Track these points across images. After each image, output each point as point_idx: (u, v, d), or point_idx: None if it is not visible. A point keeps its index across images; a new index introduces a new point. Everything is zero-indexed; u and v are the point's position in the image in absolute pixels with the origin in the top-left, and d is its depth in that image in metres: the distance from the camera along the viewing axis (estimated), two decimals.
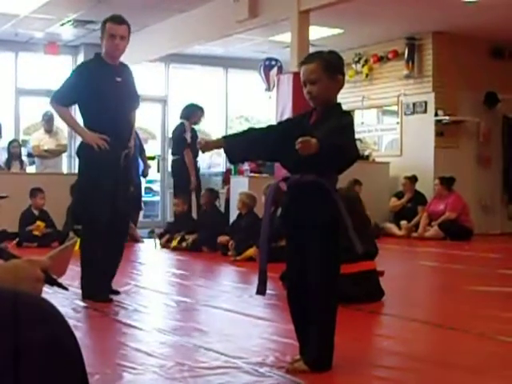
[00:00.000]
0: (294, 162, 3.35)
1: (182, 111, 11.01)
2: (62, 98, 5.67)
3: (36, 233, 10.15)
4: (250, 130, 3.71)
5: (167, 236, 10.39)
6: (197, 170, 10.97)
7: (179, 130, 10.82)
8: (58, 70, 15.19)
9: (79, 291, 5.79)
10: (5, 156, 12.36)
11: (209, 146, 3.55)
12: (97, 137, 5.48)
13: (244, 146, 3.55)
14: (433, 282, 7.37)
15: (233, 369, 3.44)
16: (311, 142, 3.05)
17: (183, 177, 10.75)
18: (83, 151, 5.64)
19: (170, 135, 15.75)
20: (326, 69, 3.38)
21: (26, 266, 1.67)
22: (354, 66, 13.81)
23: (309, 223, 3.36)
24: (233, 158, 3.77)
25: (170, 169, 15.33)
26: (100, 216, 5.56)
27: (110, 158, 5.52)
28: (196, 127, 11.16)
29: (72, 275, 6.91)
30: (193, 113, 10.83)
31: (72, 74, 5.80)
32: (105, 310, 5.06)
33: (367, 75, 13.78)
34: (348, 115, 3.52)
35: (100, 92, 5.56)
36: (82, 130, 5.61)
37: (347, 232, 3.34)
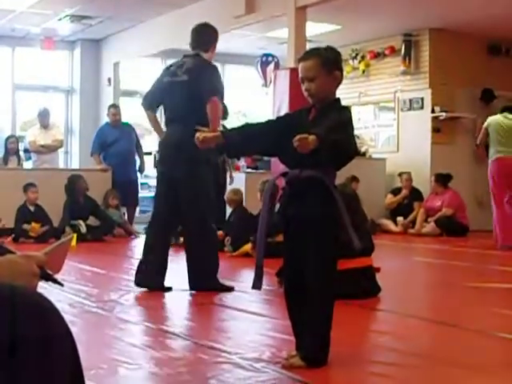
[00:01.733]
0: (292, 157, 3.33)
1: None
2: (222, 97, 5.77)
3: (32, 234, 10.14)
4: (248, 125, 3.70)
5: None
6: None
7: None
8: (55, 65, 15.19)
9: (76, 286, 5.80)
10: (2, 151, 12.32)
11: (207, 141, 3.54)
12: None
13: (242, 141, 3.54)
14: (429, 278, 7.38)
15: (229, 364, 3.44)
16: (309, 139, 3.05)
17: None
18: (209, 156, 5.63)
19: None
20: (324, 65, 3.38)
21: (22, 261, 1.66)
22: (350, 62, 13.80)
23: (307, 219, 3.36)
24: (231, 153, 3.76)
25: None
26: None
27: None
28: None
29: (68, 270, 6.92)
30: None
31: (216, 71, 5.89)
32: (101, 306, 5.05)
33: (364, 71, 13.78)
34: (347, 111, 3.50)
35: None
36: None
37: (345, 228, 3.34)
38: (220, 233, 9.11)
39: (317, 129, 3.16)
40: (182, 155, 5.59)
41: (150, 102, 6.06)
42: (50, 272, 1.77)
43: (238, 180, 10.66)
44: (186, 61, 5.87)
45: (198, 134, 3.51)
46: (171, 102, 5.81)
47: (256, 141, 3.54)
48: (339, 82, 3.47)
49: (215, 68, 5.89)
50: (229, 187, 9.97)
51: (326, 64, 3.39)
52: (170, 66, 6.08)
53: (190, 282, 5.70)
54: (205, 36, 5.98)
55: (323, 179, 3.31)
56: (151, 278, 5.70)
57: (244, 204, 9.59)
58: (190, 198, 5.72)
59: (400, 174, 12.70)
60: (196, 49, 5.93)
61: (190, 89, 5.66)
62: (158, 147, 6.25)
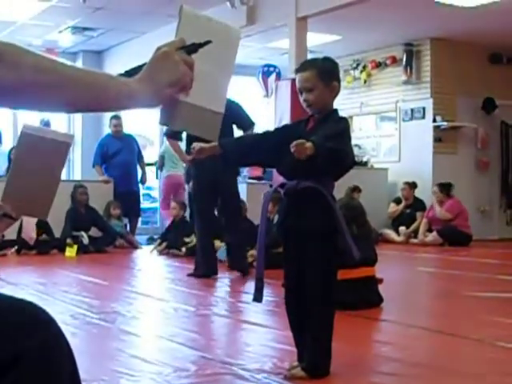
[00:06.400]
0: (290, 168, 3.35)
1: None
2: None
3: (31, 242, 10.09)
4: (246, 136, 3.71)
5: (165, 243, 10.36)
6: None
7: None
8: None
9: (78, 297, 5.81)
10: (6, 163, 12.28)
11: (204, 151, 3.54)
12: None
13: (240, 152, 3.55)
14: (431, 287, 7.37)
15: (231, 375, 3.44)
16: (306, 145, 3.06)
17: None
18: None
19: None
20: (321, 76, 3.39)
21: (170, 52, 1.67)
22: (352, 72, 13.82)
23: (306, 230, 3.36)
24: (228, 163, 3.76)
25: None
26: None
27: None
28: None
29: (70, 281, 6.93)
30: None
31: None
32: (103, 317, 5.05)
33: (365, 81, 13.78)
34: (344, 121, 3.52)
35: None
36: None
37: (344, 238, 3.34)
38: (220, 244, 9.10)
39: (314, 137, 3.17)
40: None
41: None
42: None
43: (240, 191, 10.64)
44: None
45: (194, 144, 3.51)
46: None
47: (254, 151, 3.55)
48: (337, 93, 3.47)
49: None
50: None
51: (324, 75, 3.40)
52: None
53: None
54: None
55: (321, 190, 3.31)
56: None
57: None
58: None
59: (407, 184, 12.59)
60: None
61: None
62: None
